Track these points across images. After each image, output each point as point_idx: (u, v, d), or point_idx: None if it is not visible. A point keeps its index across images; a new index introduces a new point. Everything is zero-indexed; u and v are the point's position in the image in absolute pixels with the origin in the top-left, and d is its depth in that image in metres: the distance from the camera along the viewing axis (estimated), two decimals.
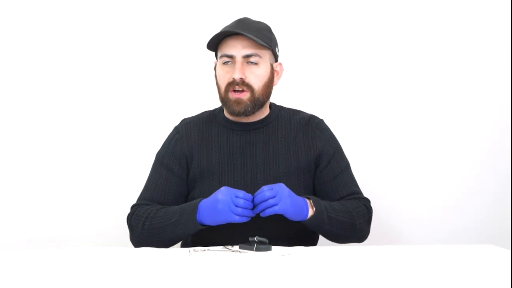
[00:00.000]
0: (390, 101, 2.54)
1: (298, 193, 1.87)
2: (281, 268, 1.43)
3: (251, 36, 1.81)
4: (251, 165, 1.90)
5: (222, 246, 1.67)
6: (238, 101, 1.85)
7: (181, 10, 2.51)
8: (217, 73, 1.89)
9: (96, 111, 2.50)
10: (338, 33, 2.52)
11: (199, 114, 2.02)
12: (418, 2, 2.52)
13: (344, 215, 1.84)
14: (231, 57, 1.84)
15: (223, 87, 1.87)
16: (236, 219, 1.71)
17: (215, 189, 1.86)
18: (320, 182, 1.93)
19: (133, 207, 1.93)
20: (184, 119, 2.02)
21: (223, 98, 1.88)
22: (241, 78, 1.84)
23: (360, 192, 1.96)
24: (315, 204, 1.80)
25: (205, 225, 1.77)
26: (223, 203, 1.71)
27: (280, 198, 1.72)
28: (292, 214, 1.76)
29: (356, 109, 2.53)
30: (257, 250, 1.62)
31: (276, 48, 1.91)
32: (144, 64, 2.51)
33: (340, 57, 2.52)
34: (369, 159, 2.52)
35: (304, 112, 2.01)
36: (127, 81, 2.50)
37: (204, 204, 1.76)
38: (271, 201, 1.71)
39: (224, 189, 1.74)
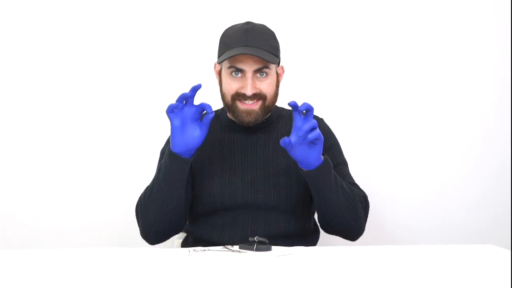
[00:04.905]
0: (388, 101, 2.54)
1: (298, 190, 1.88)
2: (281, 268, 1.43)
3: (264, 57, 1.79)
4: (251, 163, 1.90)
5: (222, 246, 1.67)
6: (249, 112, 1.85)
7: (183, 9, 2.51)
8: (223, 81, 1.88)
9: (97, 110, 2.50)
10: (337, 34, 2.52)
11: None
12: (418, 2, 2.52)
13: (347, 189, 1.80)
14: (241, 70, 1.83)
15: (229, 95, 1.86)
16: (179, 106, 1.68)
17: (216, 187, 1.87)
18: None
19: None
20: None
21: (230, 106, 1.87)
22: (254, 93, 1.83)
23: (358, 186, 1.93)
24: (325, 156, 1.75)
25: (185, 157, 1.74)
26: (174, 113, 1.69)
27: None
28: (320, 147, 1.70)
29: (354, 109, 2.53)
30: (257, 250, 1.62)
31: (279, 55, 1.91)
32: (148, 63, 2.51)
33: (339, 58, 2.53)
34: (369, 159, 2.53)
35: None
36: (132, 80, 2.51)
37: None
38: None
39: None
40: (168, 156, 1.75)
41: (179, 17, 2.51)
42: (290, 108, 2.03)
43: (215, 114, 1.96)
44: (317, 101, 2.47)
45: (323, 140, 1.68)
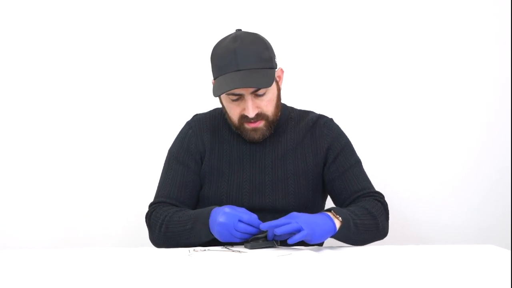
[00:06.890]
0: (388, 102, 2.54)
1: (307, 194, 1.88)
2: (281, 268, 1.43)
3: (258, 84, 1.77)
4: (259, 167, 1.89)
5: (222, 246, 1.67)
6: (255, 129, 1.85)
7: (191, 8, 2.51)
8: (225, 106, 1.86)
9: (104, 110, 2.51)
10: (345, 34, 2.52)
11: (210, 111, 2.00)
12: (418, 2, 2.52)
13: (366, 217, 1.78)
14: (239, 95, 1.80)
15: (235, 119, 1.85)
16: (237, 240, 1.68)
17: (224, 189, 1.86)
18: (329, 179, 1.90)
19: (151, 205, 1.90)
20: (196, 115, 2.00)
21: (238, 127, 1.86)
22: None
23: (372, 187, 1.90)
24: (339, 214, 1.71)
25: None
26: (223, 227, 1.66)
27: (302, 221, 1.63)
28: (319, 235, 1.67)
29: (362, 108, 2.53)
30: (260, 246, 1.64)
31: (275, 60, 1.85)
32: (154, 62, 2.51)
33: (347, 58, 2.53)
34: (368, 160, 2.52)
35: (314, 113, 1.99)
36: (139, 80, 2.51)
37: (211, 219, 1.71)
38: (295, 225, 1.61)
39: (228, 211, 1.68)
40: (205, 231, 1.72)
41: (181, 18, 2.51)
42: (300, 108, 2.03)
43: (224, 118, 1.95)
44: (324, 100, 2.48)
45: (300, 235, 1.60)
